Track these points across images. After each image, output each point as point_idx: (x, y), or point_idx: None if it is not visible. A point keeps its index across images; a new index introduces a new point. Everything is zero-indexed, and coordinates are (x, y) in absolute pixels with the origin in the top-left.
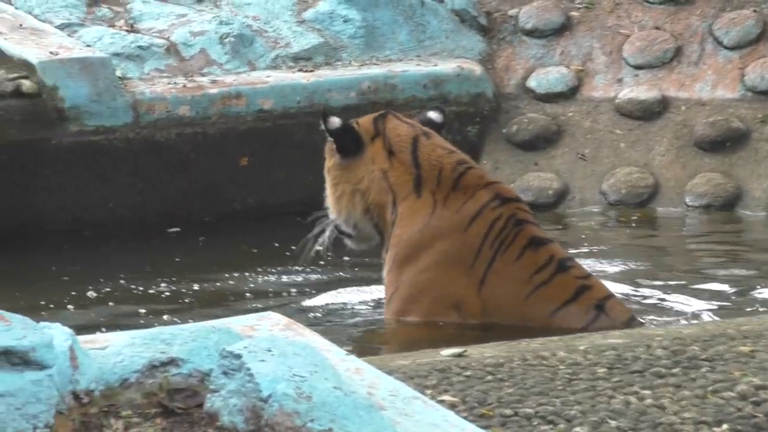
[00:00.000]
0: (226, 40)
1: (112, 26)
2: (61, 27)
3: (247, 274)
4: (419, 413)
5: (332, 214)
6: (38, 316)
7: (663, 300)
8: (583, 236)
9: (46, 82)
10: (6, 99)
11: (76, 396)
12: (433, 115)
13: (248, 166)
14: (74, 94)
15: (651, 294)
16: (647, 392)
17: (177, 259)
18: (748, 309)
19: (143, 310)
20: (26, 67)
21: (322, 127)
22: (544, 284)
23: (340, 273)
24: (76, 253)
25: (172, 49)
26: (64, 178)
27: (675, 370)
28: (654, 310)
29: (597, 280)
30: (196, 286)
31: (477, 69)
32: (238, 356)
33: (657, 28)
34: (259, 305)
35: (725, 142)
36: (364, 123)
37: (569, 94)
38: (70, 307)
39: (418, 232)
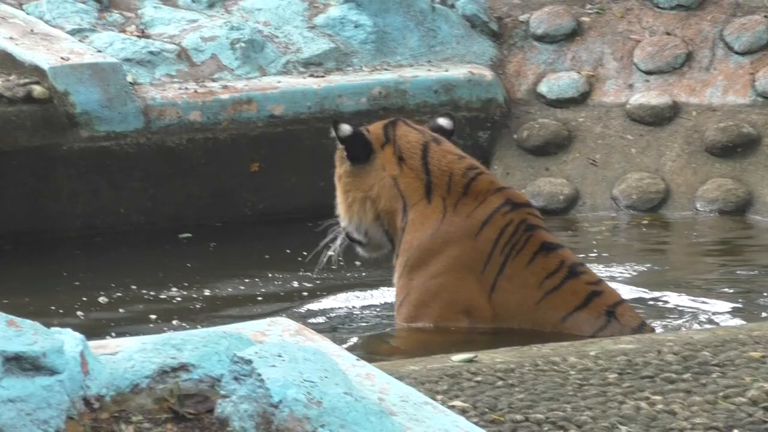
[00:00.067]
0: (237, 45)
1: (123, 32)
2: (72, 32)
3: (257, 279)
4: (430, 419)
5: (343, 222)
6: (49, 321)
7: (674, 305)
8: (594, 242)
9: (57, 88)
10: (17, 104)
11: (86, 401)
12: (443, 121)
13: (259, 171)
14: (85, 99)
15: (661, 299)
16: (658, 398)
17: (188, 265)
18: (760, 314)
19: (154, 316)
20: (37, 73)
21: (333, 134)
22: (554, 290)
23: (351, 277)
24: (88, 259)
25: (183, 55)
26: (76, 183)
27: (686, 376)
28: (664, 315)
29: (608, 286)
30: (207, 292)
31: (488, 74)
32: (249, 362)
33: (668, 33)
34: (270, 310)
35: (736, 148)
36: (374, 130)
37: (580, 99)
38: (81, 312)
39: (428, 238)
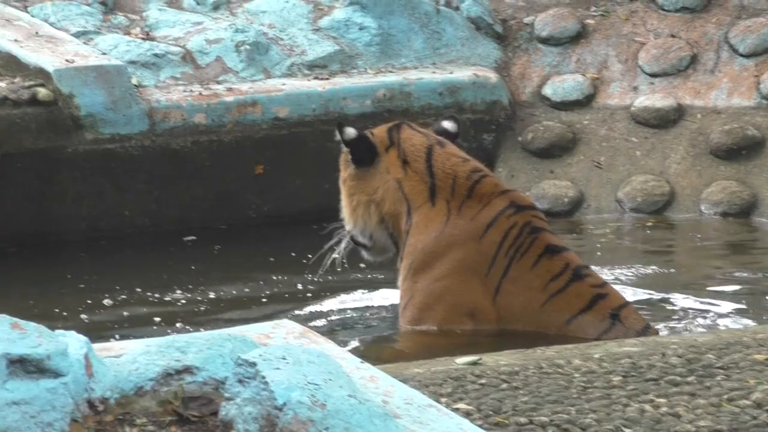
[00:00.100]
0: (242, 47)
1: (128, 34)
2: (77, 35)
3: (262, 282)
4: (434, 421)
5: (348, 225)
6: (53, 324)
7: (678, 308)
8: (599, 244)
9: (62, 90)
10: (22, 107)
11: (90, 404)
12: (448, 124)
13: (264, 174)
14: (90, 101)
15: (666, 302)
16: (662, 400)
17: (192, 267)
18: (764, 317)
19: (158, 318)
20: (42, 75)
21: (338, 137)
22: (559, 292)
23: (355, 280)
24: (92, 261)
25: (187, 57)
26: (80, 186)
27: (690, 378)
28: (669, 318)
29: (612, 289)
30: (211, 294)
31: (492, 77)
32: (253, 364)
33: (672, 36)
34: (274, 313)
35: (741, 150)
36: (378, 133)
37: (585, 101)
38: (85, 314)
39: (432, 241)
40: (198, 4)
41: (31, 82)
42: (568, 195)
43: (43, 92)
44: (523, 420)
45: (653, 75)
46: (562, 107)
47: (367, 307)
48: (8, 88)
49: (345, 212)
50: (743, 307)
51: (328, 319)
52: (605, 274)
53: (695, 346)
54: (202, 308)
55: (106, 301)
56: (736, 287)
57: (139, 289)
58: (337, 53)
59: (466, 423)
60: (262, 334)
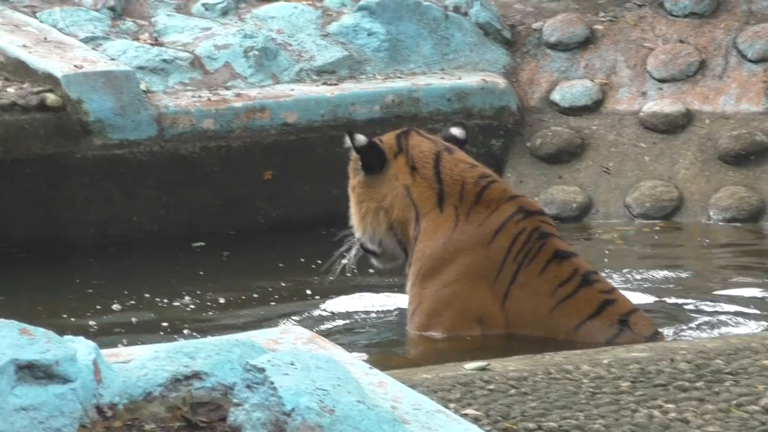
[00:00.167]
0: (251, 53)
1: (137, 39)
2: (86, 40)
3: (270, 288)
4: (442, 427)
5: (357, 233)
6: (62, 329)
7: (687, 313)
8: (607, 250)
9: (71, 96)
10: (30, 112)
11: (99, 410)
12: (456, 131)
13: (272, 179)
14: (98, 107)
15: (675, 308)
16: (671, 406)
17: (201, 272)
18: None
19: (167, 324)
20: (51, 81)
21: (348, 144)
22: (567, 298)
23: (365, 285)
24: (101, 267)
25: (196, 63)
26: (89, 191)
27: (699, 384)
28: (678, 323)
29: (621, 295)
30: (220, 300)
31: (501, 82)
32: (262, 370)
33: (681, 41)
34: (283, 318)
35: (749, 156)
36: (387, 140)
37: (593, 107)
38: (93, 320)
39: (440, 247)
40: (206, 9)
41: (40, 88)
42: (576, 200)
43: (51, 98)
44: (531, 426)
45: (662, 80)
46: (570, 113)
47: (376, 313)
48: (17, 94)
49: (354, 220)
50: (752, 312)
51: (337, 324)
52: (613, 279)
53: (704, 352)
54: (211, 314)
55: (115, 307)
56: (745, 293)
57: (147, 295)
58: (345, 59)
59: (474, 429)
60: (271, 339)
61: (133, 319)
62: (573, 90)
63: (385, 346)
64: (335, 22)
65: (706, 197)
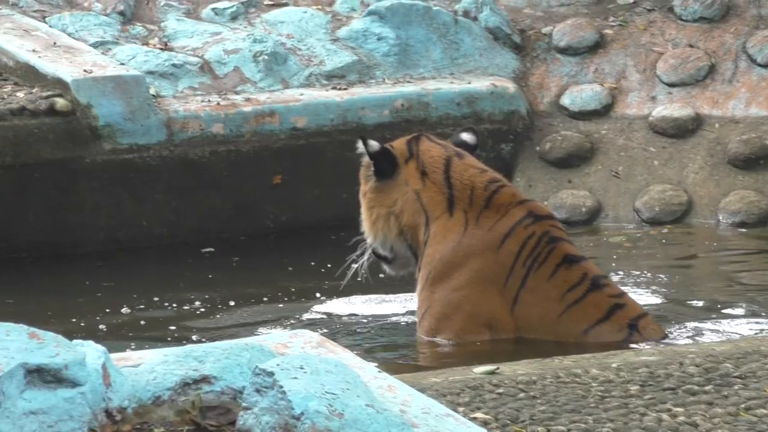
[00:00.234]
0: (260, 58)
1: (146, 44)
2: (95, 45)
3: (279, 291)
4: (451, 430)
5: (369, 238)
6: (71, 333)
7: (696, 317)
8: (616, 255)
9: (80, 100)
10: (40, 117)
11: (108, 413)
12: (466, 136)
13: (282, 184)
14: (108, 112)
15: (684, 311)
16: (680, 410)
17: (210, 276)
18: None
19: (176, 328)
20: (60, 85)
21: (361, 150)
22: (577, 302)
23: (375, 289)
24: (110, 271)
25: (206, 67)
26: (98, 196)
27: (707, 388)
28: (687, 327)
29: (630, 299)
30: (230, 303)
31: (511, 87)
32: (271, 374)
33: (691, 45)
34: (292, 322)
35: (759, 160)
36: (398, 146)
37: (603, 111)
38: (103, 324)
39: (450, 251)
40: (216, 14)
41: (49, 93)
42: (585, 204)
43: (61, 102)
44: (540, 429)
45: (671, 85)
46: (580, 117)
47: (386, 316)
48: (26, 99)
49: (365, 225)
50: (761, 316)
51: (346, 328)
52: (623, 283)
53: (713, 356)
54: (220, 318)
55: (124, 311)
56: (754, 296)
57: (156, 299)
58: (355, 63)
59: None
60: (280, 343)
61: (142, 323)
62: (582, 94)
63: (394, 350)
64: (345, 27)
65: (716, 201)
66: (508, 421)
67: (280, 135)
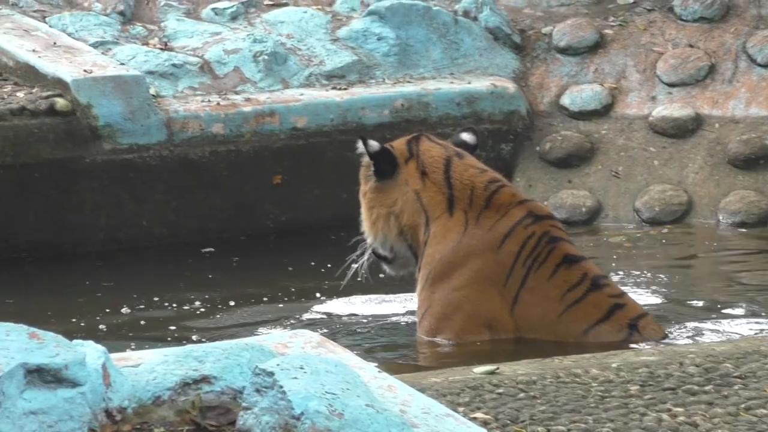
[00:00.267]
0: (260, 58)
1: (146, 44)
2: (95, 45)
3: (279, 291)
4: (451, 430)
5: (369, 239)
6: (71, 333)
7: (696, 317)
8: (616, 255)
9: (80, 100)
10: (40, 117)
11: (108, 413)
12: (466, 136)
13: (282, 184)
14: (108, 112)
15: (684, 311)
16: (680, 410)
17: (210, 276)
18: None
19: (176, 328)
20: (60, 85)
21: (361, 150)
22: (577, 302)
23: (375, 289)
24: (110, 271)
25: (206, 67)
26: (98, 196)
27: (708, 388)
28: (687, 327)
29: (630, 299)
30: (230, 303)
31: (511, 87)
32: (271, 374)
33: (691, 45)
34: (292, 322)
35: (759, 160)
36: (398, 146)
37: (603, 111)
38: (103, 324)
39: (450, 251)
40: (216, 14)
41: (49, 93)
42: (585, 204)
43: (61, 102)
44: (540, 429)
45: (671, 85)
46: (580, 117)
47: (386, 316)
48: (26, 99)
49: (365, 225)
50: (761, 316)
51: (346, 328)
52: (623, 283)
53: (713, 356)
54: (220, 317)
55: (124, 311)
56: (754, 296)
57: (156, 299)
58: (355, 63)
59: None
60: (280, 343)
61: (142, 323)
62: (582, 94)
63: (394, 350)
64: (345, 27)
65: (716, 201)
66: (508, 421)
67: (280, 135)
